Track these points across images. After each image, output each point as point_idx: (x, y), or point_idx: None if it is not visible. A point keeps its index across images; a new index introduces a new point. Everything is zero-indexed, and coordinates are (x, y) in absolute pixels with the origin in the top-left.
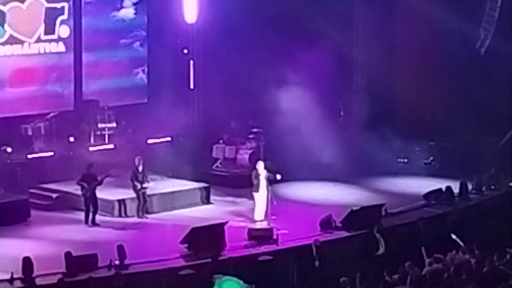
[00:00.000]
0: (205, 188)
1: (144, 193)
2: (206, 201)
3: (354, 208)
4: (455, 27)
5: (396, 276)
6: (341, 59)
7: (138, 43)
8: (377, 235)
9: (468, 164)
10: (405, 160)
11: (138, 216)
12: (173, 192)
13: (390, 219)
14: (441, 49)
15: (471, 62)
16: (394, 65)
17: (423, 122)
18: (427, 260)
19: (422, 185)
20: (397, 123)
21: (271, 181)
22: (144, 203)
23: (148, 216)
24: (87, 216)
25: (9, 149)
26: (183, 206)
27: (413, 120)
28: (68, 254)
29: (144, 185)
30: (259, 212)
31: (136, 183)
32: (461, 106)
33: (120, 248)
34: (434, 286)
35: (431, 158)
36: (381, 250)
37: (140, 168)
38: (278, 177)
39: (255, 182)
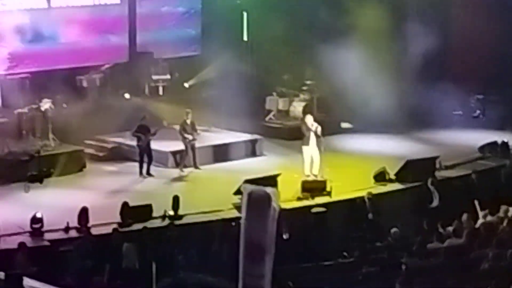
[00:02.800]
0: (257, 139)
1: (193, 145)
2: (259, 152)
3: (409, 159)
4: None
5: (450, 229)
6: (394, 14)
7: None
8: (431, 188)
9: None
10: (460, 113)
11: (180, 169)
12: (227, 144)
13: (445, 172)
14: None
15: None
16: (448, 18)
17: (475, 77)
18: (481, 213)
19: (477, 138)
20: (452, 77)
21: (323, 134)
22: (193, 155)
23: (202, 167)
24: (141, 167)
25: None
26: (237, 157)
27: (467, 74)
28: (124, 205)
29: (192, 137)
30: (309, 165)
31: (186, 135)
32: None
33: (175, 199)
34: (487, 239)
35: (478, 111)
36: (435, 203)
37: (189, 121)
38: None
39: (304, 135)
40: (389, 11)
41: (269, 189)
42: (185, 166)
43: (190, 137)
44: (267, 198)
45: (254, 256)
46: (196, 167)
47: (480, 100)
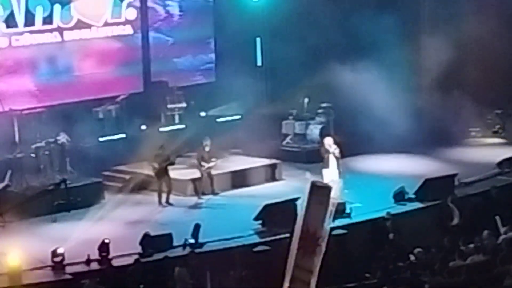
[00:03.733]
0: (276, 164)
1: (209, 173)
2: (278, 177)
3: (428, 178)
4: None
5: (471, 246)
6: (408, 31)
7: (205, 23)
8: (451, 205)
9: None
10: (478, 129)
11: (199, 196)
12: (245, 170)
13: (464, 189)
14: (510, 17)
15: None
16: (464, 33)
17: (493, 91)
18: (502, 229)
19: (495, 154)
20: (467, 93)
21: (342, 156)
22: (211, 182)
23: (221, 193)
24: (160, 196)
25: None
26: (255, 183)
27: (484, 89)
28: (145, 235)
29: (208, 165)
30: None
31: (203, 163)
32: None
33: (196, 227)
34: (510, 254)
35: (498, 126)
36: (456, 220)
37: (207, 148)
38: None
39: (324, 158)
40: (403, 28)
41: (331, 183)
42: (204, 194)
43: (206, 165)
44: (328, 190)
45: (307, 247)
46: (215, 194)
47: (499, 114)
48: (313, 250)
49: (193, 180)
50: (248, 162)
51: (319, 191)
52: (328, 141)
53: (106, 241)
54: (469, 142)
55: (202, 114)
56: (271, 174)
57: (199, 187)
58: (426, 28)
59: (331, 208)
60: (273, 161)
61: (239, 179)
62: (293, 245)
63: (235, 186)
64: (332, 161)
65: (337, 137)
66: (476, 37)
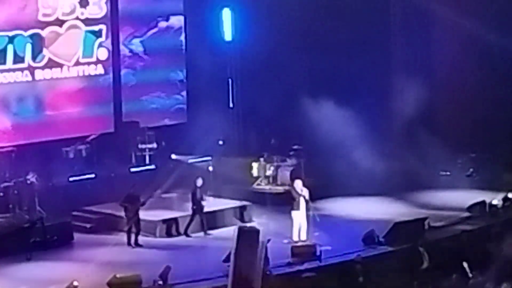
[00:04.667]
0: (247, 206)
1: (201, 209)
2: (248, 219)
3: (397, 221)
4: (495, 39)
5: None
6: (379, 74)
7: (176, 64)
8: (421, 249)
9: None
10: (448, 173)
11: (186, 235)
12: (215, 211)
13: (434, 233)
14: (481, 60)
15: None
16: (436, 76)
17: (464, 134)
18: (470, 274)
19: (465, 198)
20: (438, 136)
21: (311, 198)
22: (202, 220)
23: (192, 235)
24: (129, 237)
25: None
26: (225, 224)
27: (454, 133)
28: (113, 277)
29: (202, 203)
30: (299, 231)
31: (196, 200)
32: (501, 117)
33: (166, 269)
34: None
35: (471, 169)
36: (425, 264)
37: (199, 185)
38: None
39: (293, 200)
40: (374, 71)
41: (256, 226)
42: (181, 234)
43: (201, 202)
44: (256, 233)
45: None
46: (206, 233)
47: (473, 158)
48: None
49: (165, 221)
50: (218, 203)
51: (248, 235)
52: (298, 184)
53: (75, 283)
54: (439, 186)
55: (173, 157)
56: (241, 216)
57: (188, 225)
58: (397, 71)
59: (262, 249)
60: (244, 202)
61: (210, 220)
62: None
63: (206, 227)
64: (302, 203)
65: (307, 180)
66: (448, 81)
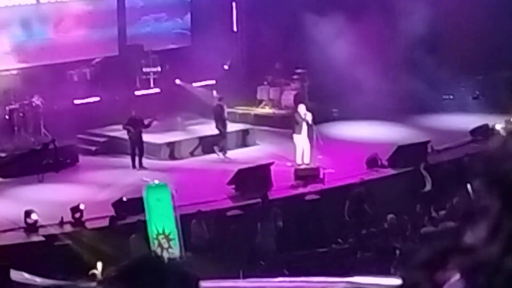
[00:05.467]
0: (250, 129)
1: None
2: (252, 142)
3: (400, 144)
4: None
5: (443, 213)
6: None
7: None
8: (424, 172)
9: None
10: (451, 97)
11: (222, 153)
12: (218, 134)
13: (436, 156)
14: None
15: None
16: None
17: (468, 57)
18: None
19: (468, 122)
20: (442, 59)
21: (315, 122)
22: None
23: (195, 158)
24: (133, 159)
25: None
26: (229, 147)
27: (458, 56)
28: (118, 200)
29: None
30: (302, 154)
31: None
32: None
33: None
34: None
35: (477, 92)
36: (428, 187)
37: (222, 104)
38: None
39: (296, 125)
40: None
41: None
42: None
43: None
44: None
45: None
46: (224, 154)
47: (479, 80)
48: None
49: (168, 144)
50: None
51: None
52: (301, 109)
53: (81, 206)
54: (442, 109)
55: (178, 78)
56: (246, 139)
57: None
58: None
59: None
60: (247, 126)
61: (213, 143)
62: None
63: (208, 151)
64: (304, 128)
65: (311, 103)
66: (451, 3)
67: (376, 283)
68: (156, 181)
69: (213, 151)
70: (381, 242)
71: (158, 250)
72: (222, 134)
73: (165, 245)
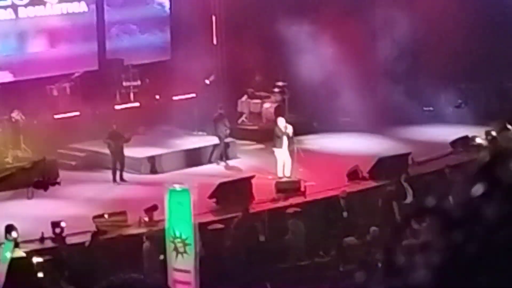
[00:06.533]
0: (231, 142)
1: (226, 137)
2: (233, 155)
3: (381, 156)
4: None
5: (424, 224)
6: (363, 8)
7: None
8: (405, 184)
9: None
10: (431, 108)
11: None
12: (199, 148)
13: (417, 168)
14: None
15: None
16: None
17: (449, 68)
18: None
19: (449, 133)
20: (422, 71)
21: (296, 135)
22: (224, 148)
23: (175, 172)
24: (114, 173)
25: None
26: (210, 161)
27: (439, 67)
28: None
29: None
30: (283, 167)
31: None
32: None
33: (153, 207)
34: None
35: (460, 101)
36: (409, 199)
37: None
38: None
39: (276, 138)
40: (357, 5)
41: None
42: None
43: (224, 131)
44: None
45: None
46: (224, 161)
47: (461, 89)
48: None
49: (150, 158)
50: (203, 140)
51: None
52: (281, 122)
53: (62, 224)
54: (423, 121)
55: (158, 92)
56: (227, 153)
57: (215, 152)
58: (381, 5)
59: None
60: (229, 139)
61: (194, 157)
62: None
63: (189, 164)
64: (285, 141)
65: (291, 116)
66: (433, 12)
67: None
68: (178, 186)
69: (193, 165)
70: (363, 254)
71: (173, 254)
72: (221, 141)
73: (181, 250)
